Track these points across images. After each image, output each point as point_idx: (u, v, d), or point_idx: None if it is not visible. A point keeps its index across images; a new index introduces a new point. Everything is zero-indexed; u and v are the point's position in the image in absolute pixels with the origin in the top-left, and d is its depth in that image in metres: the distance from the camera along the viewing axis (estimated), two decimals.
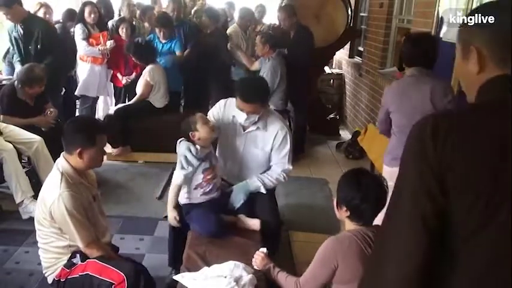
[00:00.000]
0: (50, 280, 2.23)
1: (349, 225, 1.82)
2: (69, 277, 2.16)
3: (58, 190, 2.08)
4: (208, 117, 2.69)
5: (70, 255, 2.17)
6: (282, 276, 1.94)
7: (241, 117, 2.55)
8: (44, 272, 2.25)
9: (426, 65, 2.54)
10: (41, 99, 3.87)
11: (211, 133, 2.46)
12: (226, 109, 2.66)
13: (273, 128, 2.61)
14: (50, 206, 2.08)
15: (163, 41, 5.00)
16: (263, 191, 2.59)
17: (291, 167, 2.71)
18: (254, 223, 2.42)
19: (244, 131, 2.63)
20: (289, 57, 4.71)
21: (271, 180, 2.62)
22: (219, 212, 2.44)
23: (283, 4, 5.50)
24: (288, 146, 2.64)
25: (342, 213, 1.82)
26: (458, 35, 1.06)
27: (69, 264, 2.17)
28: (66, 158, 2.20)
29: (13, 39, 4.36)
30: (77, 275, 2.14)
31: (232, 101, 2.64)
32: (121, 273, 2.08)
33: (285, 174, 2.67)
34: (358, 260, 1.71)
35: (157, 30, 4.97)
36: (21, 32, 4.28)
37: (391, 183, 2.64)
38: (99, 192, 2.43)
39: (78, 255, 2.17)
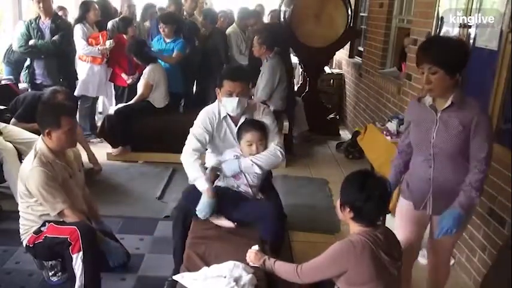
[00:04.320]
0: (24, 244, 2.50)
1: (354, 227, 1.82)
2: (36, 242, 2.42)
3: (30, 166, 2.34)
4: (196, 126, 2.63)
5: (42, 223, 2.42)
6: (280, 264, 1.95)
7: (231, 104, 2.52)
8: (20, 238, 2.51)
9: None
10: None
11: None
12: (216, 116, 2.64)
13: (255, 114, 2.64)
14: (25, 180, 2.35)
15: (168, 41, 4.97)
16: (257, 170, 2.49)
17: (280, 139, 2.67)
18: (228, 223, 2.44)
19: (236, 126, 2.63)
20: None
21: (262, 157, 2.51)
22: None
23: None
24: (274, 120, 2.68)
25: (345, 215, 1.82)
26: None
27: (37, 231, 2.43)
28: (43, 138, 2.43)
29: (34, 31, 4.59)
30: (41, 239, 2.41)
31: (213, 107, 2.64)
32: (73, 226, 2.32)
33: (279, 148, 2.56)
34: (371, 264, 1.72)
35: (160, 29, 4.96)
36: (48, 26, 4.63)
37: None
38: (82, 171, 2.69)
39: (47, 223, 2.41)
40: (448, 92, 1.98)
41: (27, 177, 2.34)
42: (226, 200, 2.45)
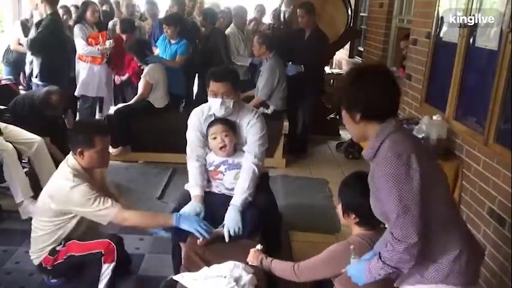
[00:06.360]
0: (35, 262, 2.43)
1: (356, 230, 1.82)
2: (55, 264, 2.34)
3: (71, 183, 2.23)
4: (189, 128, 2.67)
5: (58, 243, 2.35)
6: (276, 263, 1.96)
7: (215, 104, 2.53)
8: (30, 255, 2.45)
9: None
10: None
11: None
12: (205, 112, 2.65)
13: (246, 118, 2.61)
14: (63, 201, 2.25)
15: (172, 42, 4.94)
16: (250, 198, 2.49)
17: (263, 148, 2.60)
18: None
19: None
20: (303, 55, 4.70)
21: (248, 184, 2.48)
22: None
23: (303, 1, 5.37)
24: (260, 128, 2.59)
25: (349, 220, 1.81)
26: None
27: (52, 251, 2.35)
28: (74, 156, 2.35)
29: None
30: (62, 260, 2.32)
31: (205, 106, 2.65)
32: (105, 240, 2.30)
33: (256, 164, 2.52)
34: None
35: (164, 29, 4.95)
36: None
37: None
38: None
39: (63, 241, 2.35)
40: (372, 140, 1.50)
41: (68, 198, 2.24)
42: (212, 203, 2.49)
